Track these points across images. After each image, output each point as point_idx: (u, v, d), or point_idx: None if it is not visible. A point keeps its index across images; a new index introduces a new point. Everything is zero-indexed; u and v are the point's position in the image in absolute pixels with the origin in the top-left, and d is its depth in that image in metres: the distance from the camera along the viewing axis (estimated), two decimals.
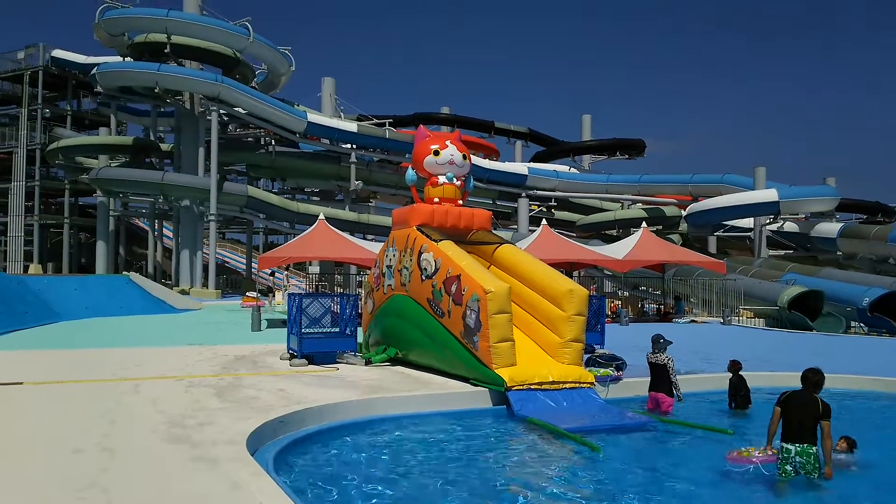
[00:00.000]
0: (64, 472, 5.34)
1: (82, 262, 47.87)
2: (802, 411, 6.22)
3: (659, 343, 9.22)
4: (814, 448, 6.19)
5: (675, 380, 9.06)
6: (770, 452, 6.44)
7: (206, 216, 34.66)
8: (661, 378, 9.08)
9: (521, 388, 9.00)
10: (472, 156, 14.27)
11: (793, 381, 10.87)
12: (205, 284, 34.72)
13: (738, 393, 9.46)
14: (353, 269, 32.45)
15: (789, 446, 6.24)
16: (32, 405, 8.01)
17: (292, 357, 11.61)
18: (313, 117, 38.35)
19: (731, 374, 9.62)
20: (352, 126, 39.91)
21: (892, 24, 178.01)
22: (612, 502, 5.71)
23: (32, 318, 17.86)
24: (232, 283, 45.13)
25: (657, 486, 6.28)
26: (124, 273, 29.70)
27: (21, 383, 9.18)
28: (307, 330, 11.53)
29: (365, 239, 29.68)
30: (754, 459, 6.47)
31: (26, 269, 41.38)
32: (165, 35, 33.66)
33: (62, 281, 23.79)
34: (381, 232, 36.58)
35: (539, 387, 9.10)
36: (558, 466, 6.85)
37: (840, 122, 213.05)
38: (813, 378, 6.40)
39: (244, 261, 48.57)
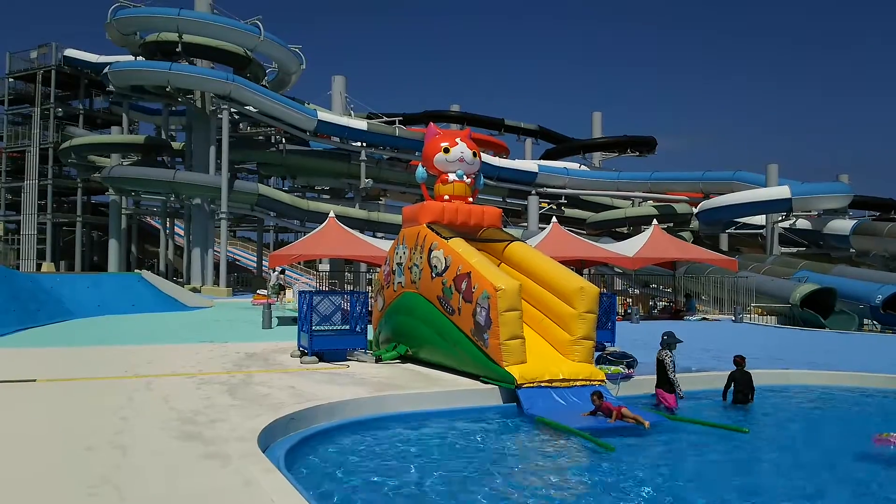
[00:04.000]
0: (76, 469, 5.39)
1: (94, 260, 48.10)
2: None
3: (664, 340, 9.27)
4: None
5: (674, 376, 9.11)
6: None
7: (217, 214, 34.76)
8: (662, 375, 9.17)
9: (532, 385, 9.01)
10: (482, 153, 14.22)
11: (806, 379, 10.91)
12: (216, 282, 34.83)
13: (738, 388, 9.47)
14: (364, 267, 32.51)
15: None
16: (45, 402, 8.08)
17: (303, 354, 11.66)
18: (323, 115, 38.36)
19: (734, 368, 9.65)
20: (362, 124, 39.89)
21: None
22: (626, 499, 5.69)
23: (45, 316, 17.99)
24: (243, 280, 45.24)
25: (670, 483, 6.25)
26: (136, 271, 29.84)
27: (34, 380, 9.26)
28: (318, 327, 11.56)
29: (375, 237, 29.69)
30: (892, 441, 6.89)
31: (39, 267, 41.62)
32: (177, 34, 33.77)
33: (74, 279, 23.91)
34: (391, 230, 36.53)
35: (549, 384, 9.10)
36: (570, 465, 6.84)
37: (853, 119, 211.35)
38: None
39: (255, 259, 48.72)
